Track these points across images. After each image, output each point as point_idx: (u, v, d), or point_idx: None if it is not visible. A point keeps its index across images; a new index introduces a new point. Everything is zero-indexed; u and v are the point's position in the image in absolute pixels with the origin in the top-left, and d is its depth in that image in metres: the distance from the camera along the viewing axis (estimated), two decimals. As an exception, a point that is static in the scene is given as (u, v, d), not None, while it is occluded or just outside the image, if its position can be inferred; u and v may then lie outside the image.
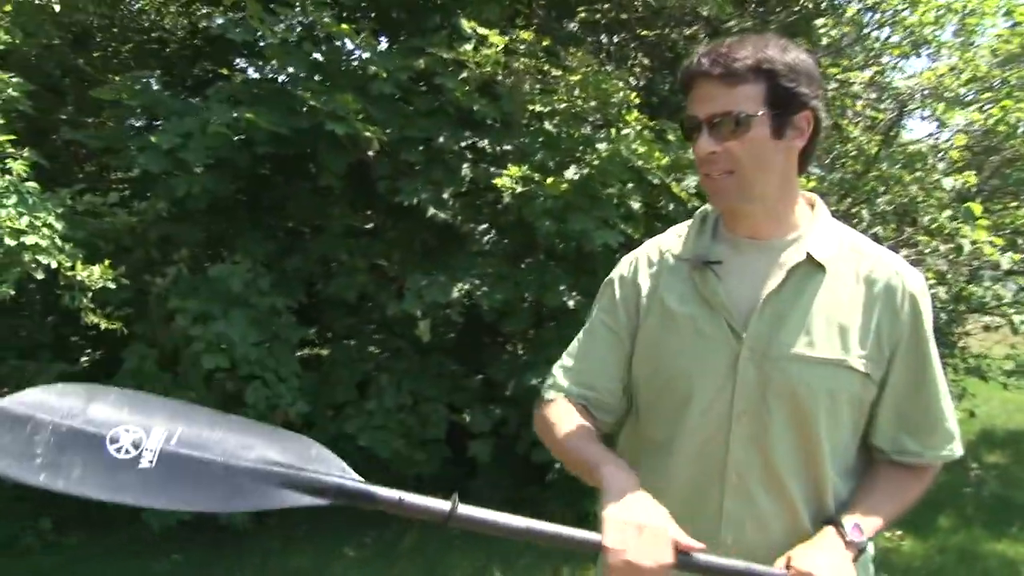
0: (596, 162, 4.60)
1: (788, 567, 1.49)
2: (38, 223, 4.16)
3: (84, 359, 6.46)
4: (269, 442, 1.39)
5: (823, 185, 5.21)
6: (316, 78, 4.94)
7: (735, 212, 1.65)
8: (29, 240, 4.12)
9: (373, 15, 5.69)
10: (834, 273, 1.61)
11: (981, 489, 6.34)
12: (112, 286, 4.32)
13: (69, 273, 4.22)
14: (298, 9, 5.05)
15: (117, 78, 5.61)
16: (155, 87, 6.16)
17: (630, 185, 4.83)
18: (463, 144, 5.28)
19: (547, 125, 5.16)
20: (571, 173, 4.79)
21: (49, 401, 1.32)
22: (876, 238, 5.20)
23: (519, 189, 4.59)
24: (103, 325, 4.35)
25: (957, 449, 1.69)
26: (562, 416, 1.71)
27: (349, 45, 5.27)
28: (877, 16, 5.38)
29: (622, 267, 1.80)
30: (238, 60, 5.87)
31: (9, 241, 4.10)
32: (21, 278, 4.24)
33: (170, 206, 5.01)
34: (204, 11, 6.00)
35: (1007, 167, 5.73)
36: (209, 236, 5.52)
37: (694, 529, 1.64)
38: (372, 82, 4.85)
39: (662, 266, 1.72)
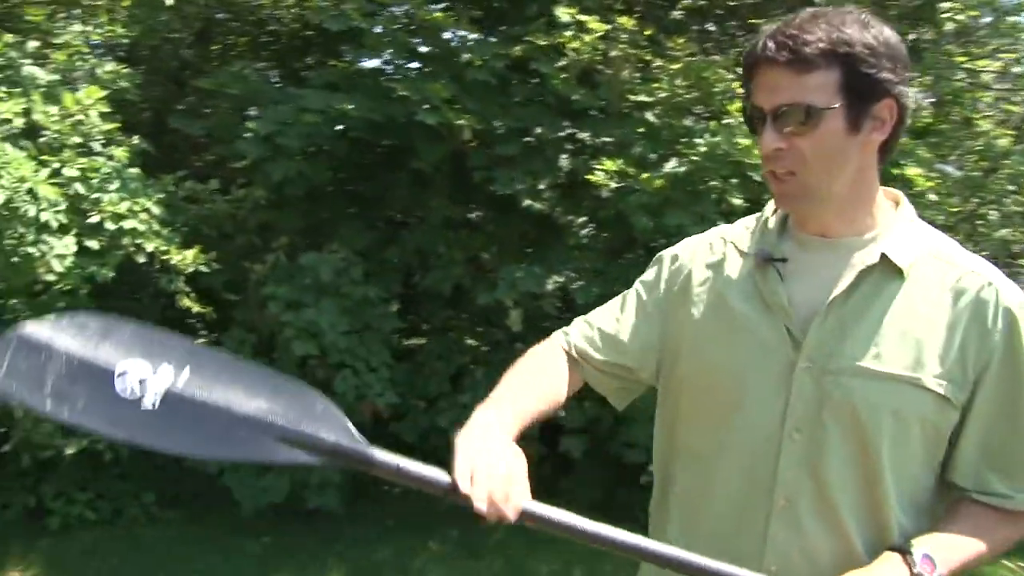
0: (696, 156, 4.40)
1: None
2: (137, 208, 4.29)
3: (200, 341, 6.67)
4: (276, 393, 1.34)
5: (947, 184, 4.84)
6: (414, 66, 4.93)
7: (801, 212, 1.47)
8: (128, 225, 4.25)
9: (474, 5, 5.62)
10: (914, 280, 1.41)
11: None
12: (205, 270, 4.41)
13: (164, 257, 4.33)
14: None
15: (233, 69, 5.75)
16: (256, 75, 6.30)
17: (733, 180, 4.61)
18: (561, 134, 5.16)
19: (648, 116, 4.98)
20: (672, 166, 4.61)
21: (67, 331, 1.32)
22: (1004, 243, 4.81)
23: (612, 184, 4.43)
24: (195, 309, 4.45)
25: None
26: (537, 354, 1.61)
27: (450, 35, 5.23)
28: (1013, -1, 4.95)
29: (679, 248, 1.63)
30: (344, 48, 5.92)
31: (110, 226, 4.25)
32: (122, 262, 4.39)
33: (267, 193, 5.09)
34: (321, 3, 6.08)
35: None
36: (308, 224, 5.58)
37: (735, 552, 1.47)
38: (467, 69, 4.79)
39: (723, 258, 1.55)
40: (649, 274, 1.64)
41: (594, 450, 5.54)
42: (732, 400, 1.46)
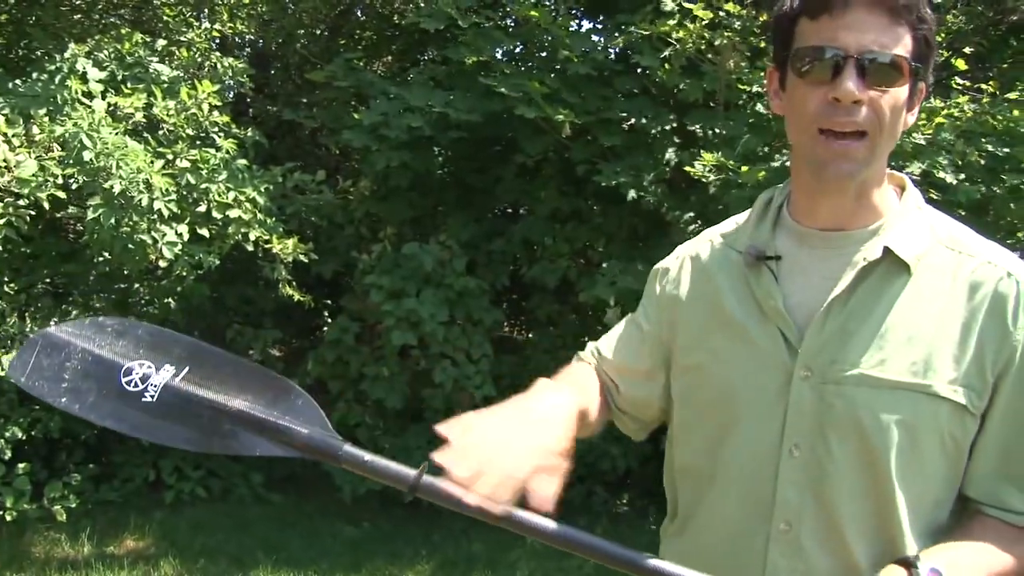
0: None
1: None
2: (243, 198, 4.43)
3: (328, 329, 6.88)
4: (262, 389, 1.41)
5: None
6: (515, 61, 4.89)
7: (828, 190, 1.29)
8: (233, 214, 4.40)
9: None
10: (922, 275, 1.26)
11: None
12: (304, 260, 4.52)
13: (267, 246, 4.46)
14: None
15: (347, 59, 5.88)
16: (391, 72, 6.41)
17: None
18: (667, 127, 5.00)
19: (760, 107, 4.76)
20: (782, 159, 4.39)
21: (86, 332, 1.46)
22: None
23: (712, 177, 4.25)
24: (296, 297, 4.57)
25: None
26: (575, 369, 1.52)
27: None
28: None
29: (668, 259, 1.51)
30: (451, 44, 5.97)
31: (217, 215, 4.41)
32: (228, 250, 4.55)
33: (372, 183, 5.17)
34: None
35: None
36: (416, 215, 5.65)
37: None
38: (567, 63, 4.71)
39: (715, 260, 1.42)
40: (645, 298, 1.54)
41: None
42: (727, 415, 1.34)
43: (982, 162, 4.35)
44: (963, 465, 1.28)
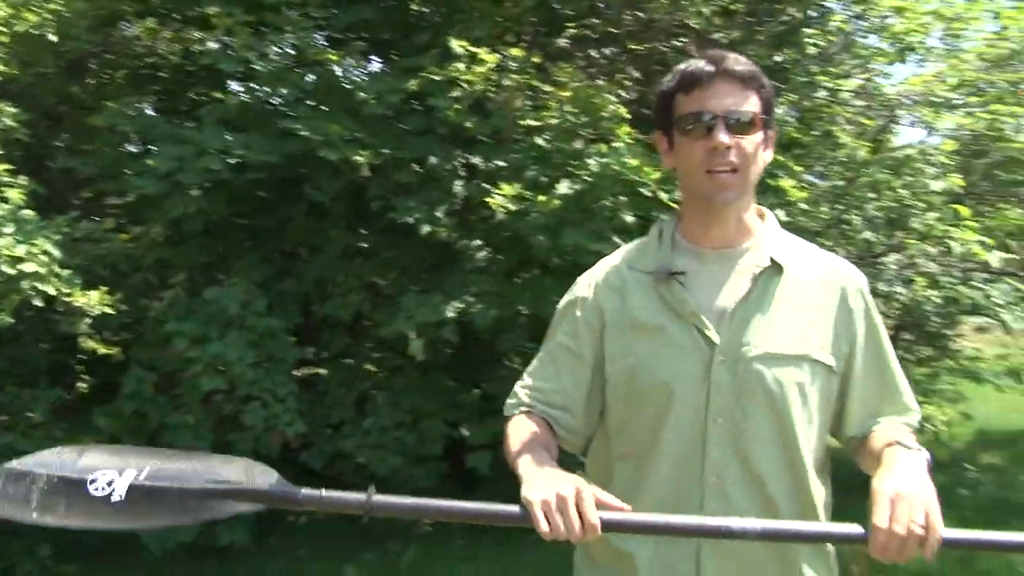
0: (588, 177, 4.63)
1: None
2: (35, 251, 4.20)
3: (82, 384, 6.46)
4: (216, 466, 1.60)
5: (813, 192, 5.24)
6: (308, 103, 4.99)
7: (716, 216, 1.72)
8: (27, 268, 4.16)
9: (364, 36, 5.74)
10: (792, 276, 1.72)
11: (978, 491, 6.36)
12: (110, 311, 4.35)
13: (67, 299, 4.25)
14: (288, 34, 5.09)
15: (112, 104, 5.64)
16: (149, 112, 6.20)
17: (623, 198, 4.85)
18: (456, 163, 5.31)
19: (539, 140, 5.19)
20: (564, 188, 4.82)
21: (48, 459, 1.58)
22: (868, 244, 5.25)
23: (511, 208, 4.62)
24: (99, 351, 4.38)
25: (915, 418, 1.78)
26: (519, 427, 1.73)
27: (339, 69, 5.31)
28: (864, 24, 5.45)
29: (580, 288, 1.83)
30: (231, 83, 5.90)
31: (7, 269, 4.14)
32: (18, 306, 4.28)
33: (166, 230, 5.04)
34: (197, 36, 6.01)
35: (997, 169, 5.77)
36: (207, 260, 5.54)
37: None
38: (363, 105, 4.90)
39: (623, 282, 1.77)
40: (564, 323, 1.83)
41: (501, 465, 5.67)
42: (661, 404, 1.69)
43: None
44: (831, 414, 1.75)
